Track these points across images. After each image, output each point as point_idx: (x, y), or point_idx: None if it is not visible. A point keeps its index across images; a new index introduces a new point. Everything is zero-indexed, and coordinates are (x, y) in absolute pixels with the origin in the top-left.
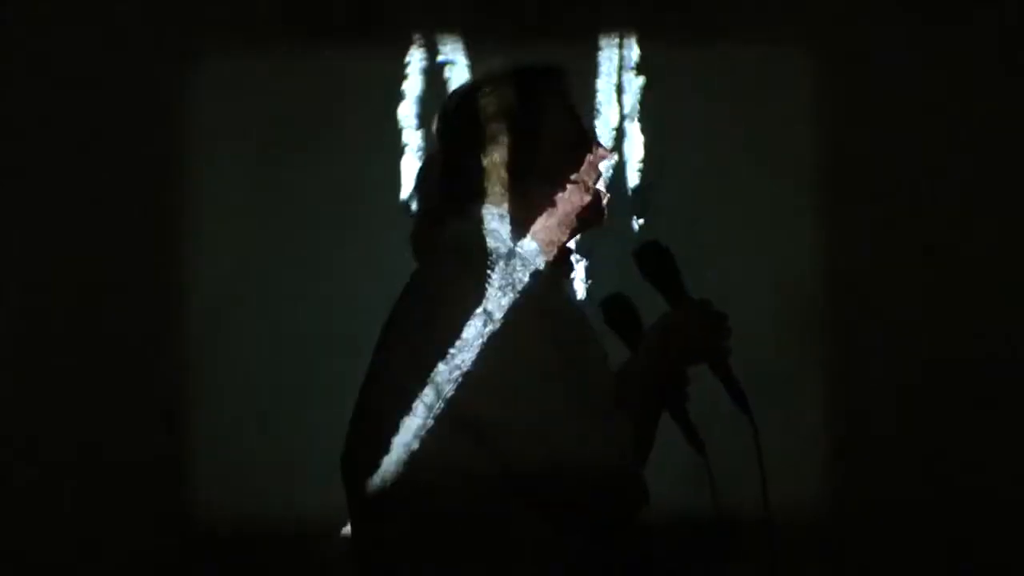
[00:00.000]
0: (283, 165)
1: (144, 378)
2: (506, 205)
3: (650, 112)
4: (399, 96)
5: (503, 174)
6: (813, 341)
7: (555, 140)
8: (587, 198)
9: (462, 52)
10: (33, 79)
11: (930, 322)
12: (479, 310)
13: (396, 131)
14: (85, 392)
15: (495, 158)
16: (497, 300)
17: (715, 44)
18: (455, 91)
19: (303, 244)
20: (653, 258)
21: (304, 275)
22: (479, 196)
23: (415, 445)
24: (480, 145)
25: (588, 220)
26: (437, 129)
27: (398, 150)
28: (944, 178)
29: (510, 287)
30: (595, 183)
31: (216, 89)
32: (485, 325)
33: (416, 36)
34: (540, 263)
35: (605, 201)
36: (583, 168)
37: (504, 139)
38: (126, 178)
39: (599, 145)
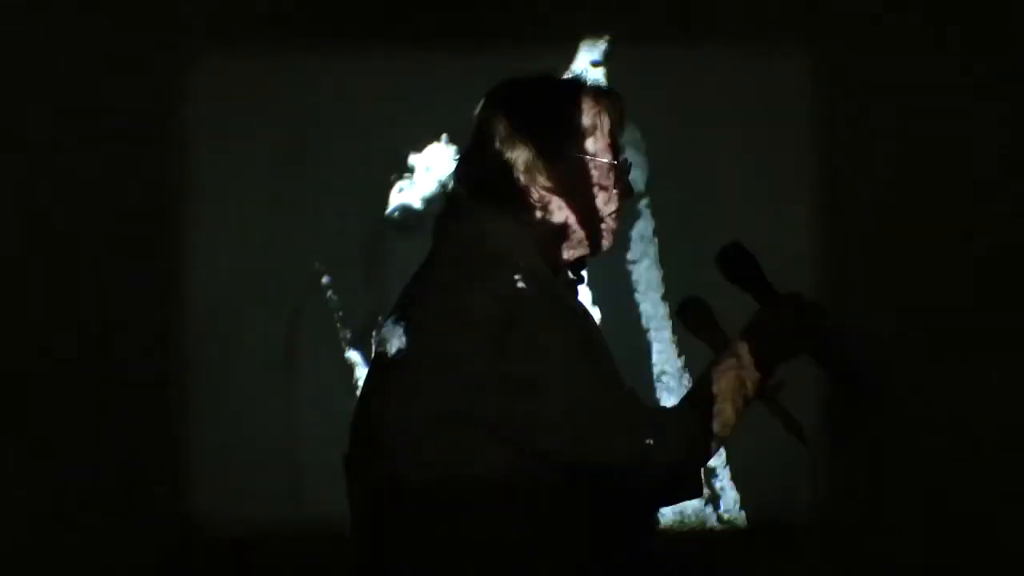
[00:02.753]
0: (283, 165)
1: (144, 378)
2: (516, 210)
3: (649, 113)
4: (400, 97)
5: (523, 180)
6: None
7: (583, 163)
8: (600, 226)
9: (461, 56)
10: (33, 79)
11: (930, 322)
12: (483, 312)
13: (396, 132)
14: (84, 393)
15: (519, 163)
16: (500, 303)
17: (715, 45)
18: (497, 86)
19: (303, 244)
20: (737, 260)
21: (307, 274)
22: (494, 197)
23: (423, 445)
24: (507, 147)
25: (593, 247)
26: (474, 123)
27: (398, 151)
28: (944, 177)
29: (513, 290)
30: (613, 215)
31: (216, 89)
32: (488, 325)
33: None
34: (543, 274)
35: (614, 232)
36: (605, 197)
37: (532, 146)
38: (126, 178)
39: (627, 181)
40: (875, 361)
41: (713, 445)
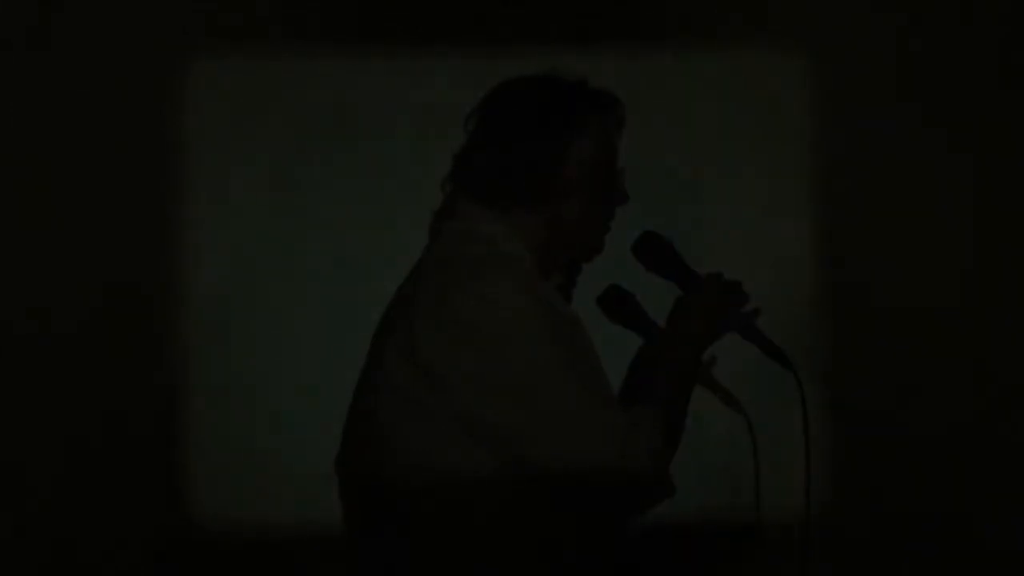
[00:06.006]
0: (283, 165)
1: (143, 378)
2: (511, 212)
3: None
4: (400, 98)
5: (519, 181)
6: (810, 343)
7: (583, 166)
8: (594, 232)
9: (460, 57)
10: (32, 79)
11: (930, 322)
12: (473, 314)
13: (397, 132)
14: (83, 392)
15: (516, 164)
16: (491, 305)
17: (714, 46)
18: (497, 86)
19: (303, 244)
20: (653, 248)
21: (304, 275)
22: (490, 198)
23: (415, 447)
24: (504, 148)
25: (586, 252)
26: (472, 119)
27: (398, 150)
28: (943, 178)
29: (507, 291)
30: (607, 221)
31: (217, 89)
32: (478, 328)
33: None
34: (535, 277)
35: (607, 237)
36: (600, 206)
37: (530, 147)
38: (126, 178)
39: (623, 187)
40: (872, 365)
41: (677, 441)
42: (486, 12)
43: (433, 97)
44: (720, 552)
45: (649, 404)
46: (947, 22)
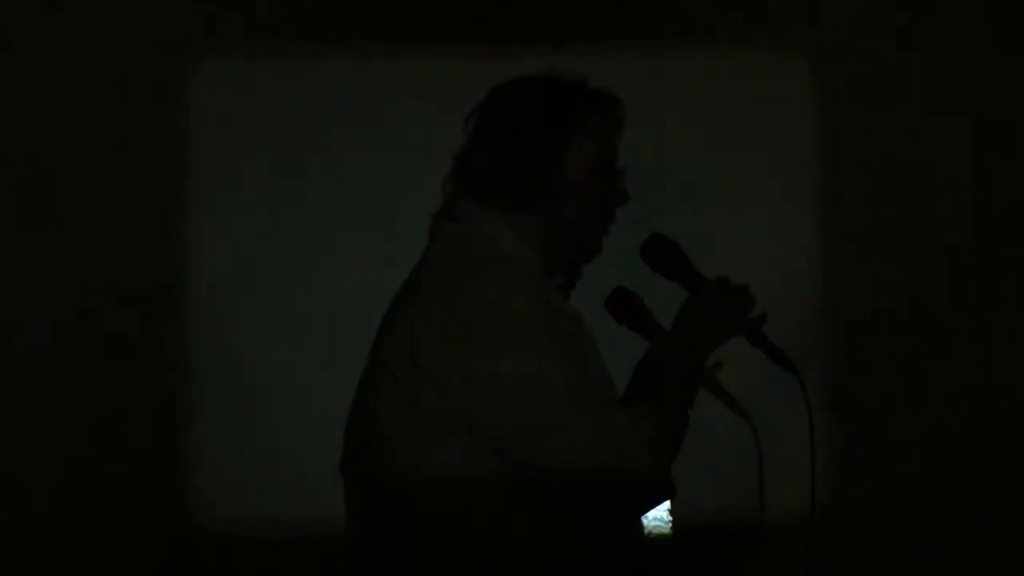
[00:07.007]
0: (283, 165)
1: (143, 378)
2: (512, 213)
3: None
4: (400, 98)
5: (520, 182)
6: (811, 343)
7: (583, 166)
8: (594, 232)
9: (460, 57)
10: (32, 79)
11: (930, 322)
12: (475, 314)
13: (396, 132)
14: (83, 392)
15: (517, 164)
16: (492, 306)
17: (714, 46)
18: (499, 86)
19: (304, 245)
20: (661, 250)
21: (304, 275)
22: (491, 198)
23: (415, 447)
24: (505, 148)
25: (587, 252)
26: (473, 119)
27: (398, 151)
28: (943, 178)
29: (507, 292)
30: (607, 221)
31: (217, 89)
32: (483, 327)
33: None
34: (537, 277)
35: (606, 237)
36: (600, 206)
37: (531, 148)
38: (126, 178)
39: (622, 187)
40: (872, 365)
41: (678, 442)
42: (486, 12)
43: (433, 97)
44: (722, 552)
45: (651, 405)
46: (947, 22)
